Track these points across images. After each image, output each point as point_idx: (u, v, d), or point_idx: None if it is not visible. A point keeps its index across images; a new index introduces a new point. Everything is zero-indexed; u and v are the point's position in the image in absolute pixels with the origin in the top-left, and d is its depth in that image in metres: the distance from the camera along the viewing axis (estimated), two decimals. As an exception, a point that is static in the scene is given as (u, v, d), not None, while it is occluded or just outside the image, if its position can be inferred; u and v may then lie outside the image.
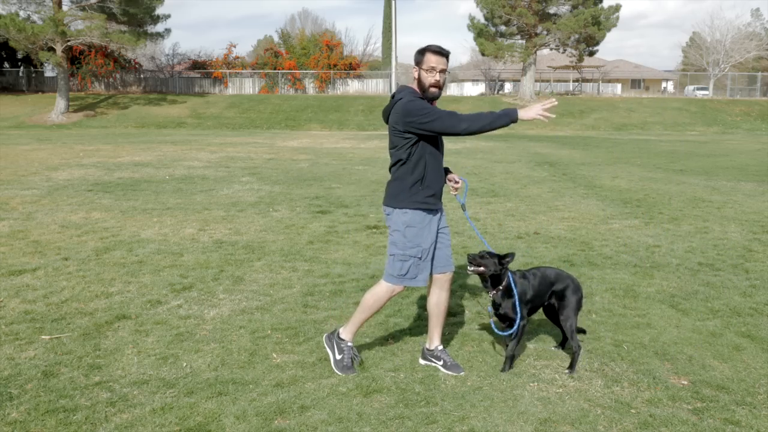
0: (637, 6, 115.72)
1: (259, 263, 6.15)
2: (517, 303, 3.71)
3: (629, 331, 4.41)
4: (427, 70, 3.52)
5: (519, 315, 3.70)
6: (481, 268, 3.70)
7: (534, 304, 3.85)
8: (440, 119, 3.44)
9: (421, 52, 3.55)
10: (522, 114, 3.33)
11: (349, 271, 5.91)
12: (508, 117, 3.34)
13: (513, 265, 5.96)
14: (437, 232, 3.73)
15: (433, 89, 3.54)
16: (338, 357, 3.76)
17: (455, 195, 3.89)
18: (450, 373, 3.72)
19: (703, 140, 28.71)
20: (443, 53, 3.54)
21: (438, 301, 3.83)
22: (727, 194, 11.07)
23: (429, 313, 3.90)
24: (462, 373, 3.72)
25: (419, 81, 3.57)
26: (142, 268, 5.90)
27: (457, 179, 3.85)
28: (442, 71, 3.54)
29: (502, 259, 3.74)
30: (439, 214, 3.73)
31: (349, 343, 3.81)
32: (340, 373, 3.68)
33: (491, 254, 3.75)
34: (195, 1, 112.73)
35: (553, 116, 3.33)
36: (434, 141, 3.62)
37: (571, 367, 3.80)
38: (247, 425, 3.12)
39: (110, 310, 4.74)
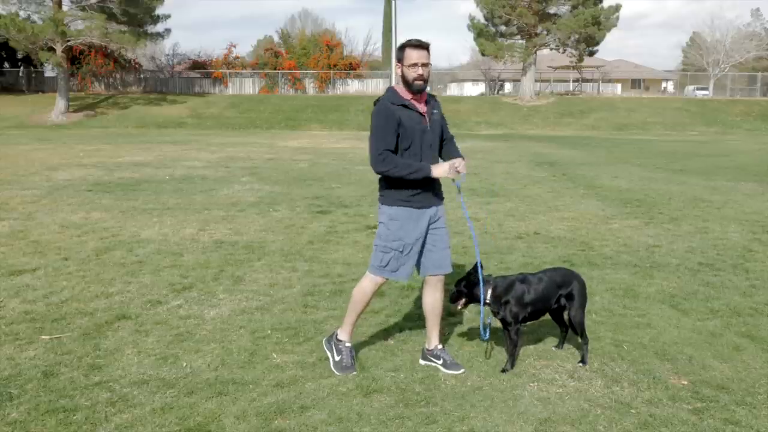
0: (637, 6, 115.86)
1: (259, 263, 6.15)
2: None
3: (629, 331, 4.41)
4: (409, 66, 3.55)
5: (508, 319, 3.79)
6: (463, 299, 3.85)
7: (536, 308, 3.84)
8: (376, 144, 3.56)
9: (401, 49, 3.61)
10: (434, 171, 3.56)
11: (349, 271, 5.91)
12: (423, 172, 3.55)
13: (515, 266, 5.99)
14: (428, 231, 3.72)
15: (417, 83, 3.58)
16: (337, 358, 3.77)
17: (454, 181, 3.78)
18: (450, 372, 3.72)
19: (703, 140, 28.72)
20: (423, 46, 3.58)
21: (433, 301, 3.85)
22: (727, 194, 11.07)
23: (425, 315, 3.92)
24: (462, 372, 3.73)
25: (403, 77, 3.60)
26: (142, 268, 5.90)
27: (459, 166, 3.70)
28: (425, 65, 3.57)
29: (470, 276, 3.85)
30: (431, 211, 3.70)
31: (348, 344, 3.82)
32: (339, 374, 3.68)
33: (459, 281, 3.88)
34: (195, 1, 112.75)
35: (462, 175, 3.59)
36: (415, 141, 3.61)
37: (583, 360, 3.86)
38: (247, 425, 3.12)
39: (110, 310, 4.74)
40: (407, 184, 3.61)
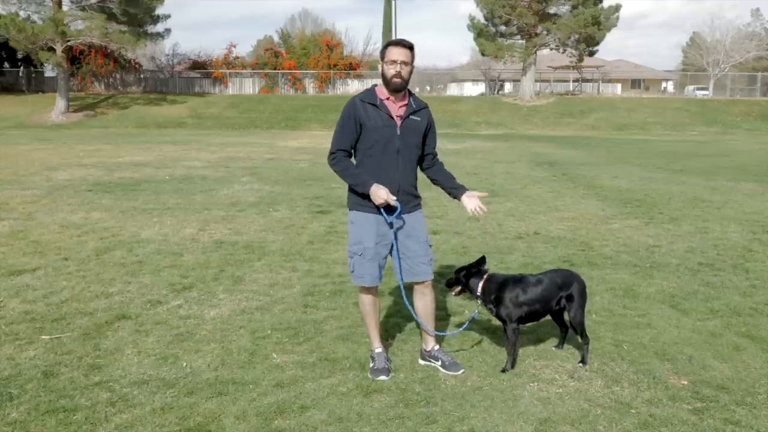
0: (638, 6, 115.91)
1: (259, 263, 6.15)
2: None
3: (629, 331, 4.41)
4: (388, 62, 3.55)
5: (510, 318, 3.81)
6: (458, 288, 3.95)
7: (534, 309, 3.83)
8: (333, 141, 3.67)
9: (385, 46, 3.62)
10: (372, 190, 3.53)
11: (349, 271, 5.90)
12: (363, 188, 3.57)
13: (515, 266, 5.99)
14: (395, 237, 3.67)
15: (395, 80, 3.55)
16: (371, 365, 3.78)
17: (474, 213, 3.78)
18: (449, 372, 3.72)
19: (703, 140, 28.71)
20: (405, 45, 3.57)
21: (423, 305, 3.86)
22: (727, 194, 11.07)
23: (419, 317, 3.91)
24: (461, 372, 3.72)
25: (383, 74, 3.60)
26: (142, 268, 5.90)
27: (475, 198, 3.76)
28: (404, 63, 3.55)
29: (472, 268, 3.90)
30: (392, 217, 3.62)
31: (377, 350, 3.83)
32: (371, 377, 3.66)
33: (459, 269, 3.94)
34: (195, 1, 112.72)
35: (396, 203, 3.57)
36: (378, 144, 3.59)
37: (583, 360, 3.87)
38: (247, 425, 3.12)
39: (110, 310, 4.74)
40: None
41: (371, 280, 3.70)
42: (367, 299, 3.80)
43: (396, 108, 3.62)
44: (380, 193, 3.51)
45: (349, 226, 3.77)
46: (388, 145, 3.60)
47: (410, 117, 3.65)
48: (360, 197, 3.65)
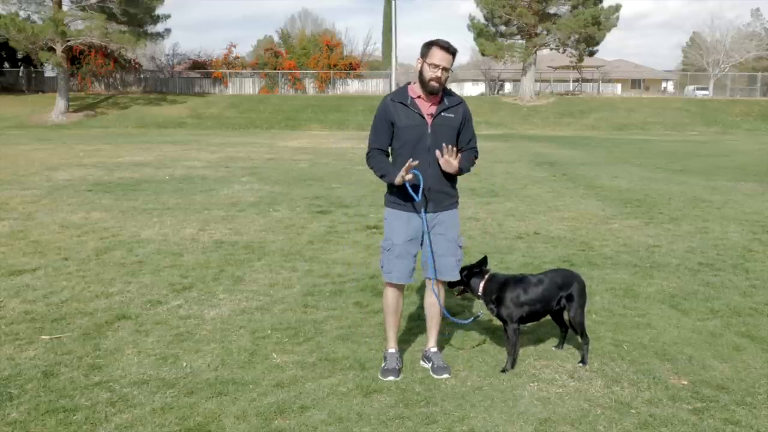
0: (638, 6, 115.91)
1: (259, 263, 6.15)
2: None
3: (629, 331, 4.41)
4: (430, 64, 3.50)
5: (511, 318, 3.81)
6: (460, 287, 3.95)
7: (535, 309, 3.83)
8: (369, 142, 3.73)
9: (428, 45, 3.54)
10: (395, 180, 3.53)
11: (349, 271, 5.91)
12: (387, 178, 3.60)
13: (515, 266, 5.99)
14: (427, 235, 3.66)
15: (433, 84, 3.52)
16: (382, 365, 3.77)
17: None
18: (435, 376, 3.69)
19: (703, 140, 28.71)
20: (450, 51, 3.51)
21: (428, 305, 3.86)
22: (727, 194, 11.07)
23: (426, 315, 3.92)
24: (445, 377, 3.67)
25: (420, 73, 3.55)
26: (142, 268, 5.90)
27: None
28: (445, 69, 3.51)
29: (474, 268, 3.90)
30: (427, 217, 3.63)
31: (390, 350, 3.82)
32: (381, 378, 3.65)
33: (461, 270, 3.89)
34: (195, 1, 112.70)
35: (410, 176, 3.51)
36: (408, 143, 3.58)
37: (583, 360, 3.86)
38: (247, 425, 3.12)
39: (110, 310, 4.74)
40: (395, 187, 3.60)
41: (398, 276, 3.68)
42: (391, 297, 3.78)
43: (427, 106, 3.60)
44: (397, 176, 3.50)
45: (384, 222, 3.79)
46: (419, 144, 3.58)
47: (442, 114, 3.61)
48: (393, 195, 3.67)
